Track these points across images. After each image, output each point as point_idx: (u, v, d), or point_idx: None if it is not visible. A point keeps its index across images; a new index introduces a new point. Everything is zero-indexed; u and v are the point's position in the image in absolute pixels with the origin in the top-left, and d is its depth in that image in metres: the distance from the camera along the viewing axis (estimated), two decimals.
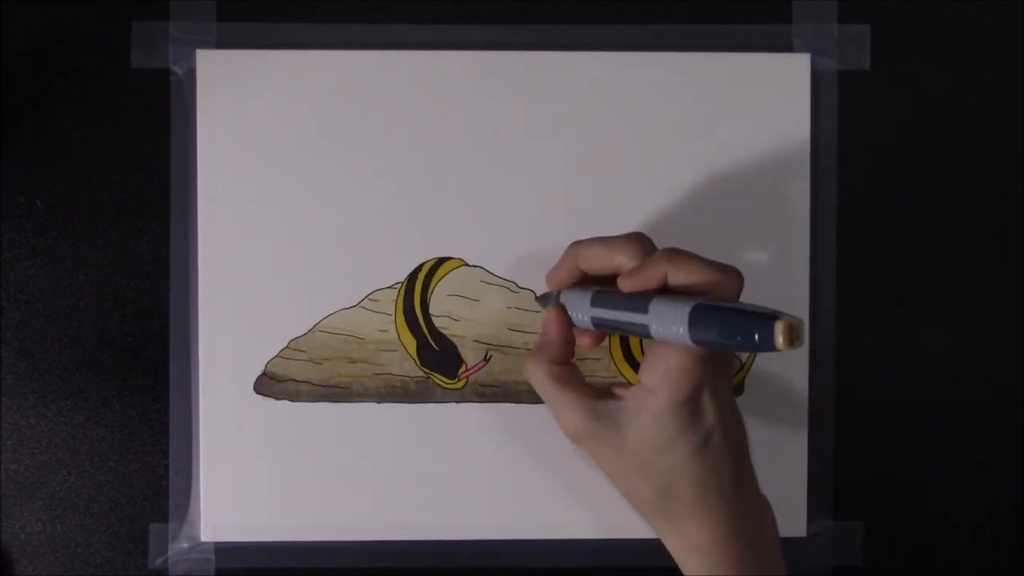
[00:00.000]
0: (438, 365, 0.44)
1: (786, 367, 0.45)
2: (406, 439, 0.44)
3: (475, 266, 0.44)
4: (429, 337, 0.44)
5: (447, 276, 0.44)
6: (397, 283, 0.44)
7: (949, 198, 0.46)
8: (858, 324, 0.45)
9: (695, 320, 0.32)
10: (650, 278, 0.34)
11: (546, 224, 0.44)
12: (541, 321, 0.40)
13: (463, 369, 0.44)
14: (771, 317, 0.30)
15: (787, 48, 0.45)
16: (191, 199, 0.44)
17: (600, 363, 0.44)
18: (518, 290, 0.44)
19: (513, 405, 0.44)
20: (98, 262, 0.44)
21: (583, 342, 0.40)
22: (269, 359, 0.44)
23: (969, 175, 0.46)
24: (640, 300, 0.34)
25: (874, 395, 0.45)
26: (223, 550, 0.44)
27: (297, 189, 0.44)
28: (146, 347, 0.44)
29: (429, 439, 0.44)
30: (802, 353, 0.44)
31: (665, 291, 0.34)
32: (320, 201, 0.44)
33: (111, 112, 0.44)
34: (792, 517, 0.45)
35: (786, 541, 0.44)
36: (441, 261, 0.44)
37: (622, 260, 0.36)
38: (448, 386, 0.44)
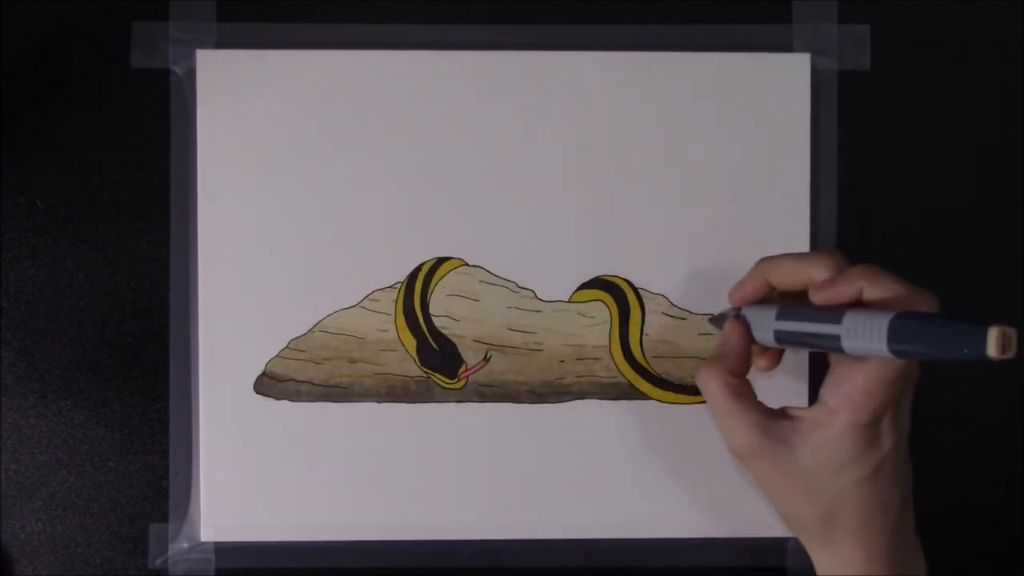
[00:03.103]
0: (438, 365, 0.44)
1: (786, 367, 0.45)
2: (406, 439, 0.44)
3: (475, 266, 0.44)
4: (429, 337, 0.44)
5: (447, 276, 0.44)
6: (397, 283, 0.44)
7: (949, 198, 0.46)
8: None
9: (896, 329, 0.31)
10: (846, 291, 0.34)
11: (546, 224, 0.44)
12: (719, 335, 0.39)
13: (463, 369, 0.44)
14: (981, 324, 0.29)
15: (787, 48, 0.45)
16: (191, 199, 0.44)
17: (600, 363, 0.44)
18: (518, 290, 0.44)
19: (513, 405, 0.44)
20: (98, 262, 0.44)
21: (759, 365, 0.40)
22: (269, 359, 0.44)
23: (969, 175, 0.46)
24: (832, 313, 0.34)
25: None
26: (223, 550, 0.44)
27: (297, 189, 0.44)
28: (146, 347, 0.44)
29: (429, 439, 0.44)
30: (802, 353, 0.44)
31: (859, 306, 0.34)
32: (320, 201, 0.44)
33: (111, 112, 0.44)
34: None
35: (786, 541, 0.45)
36: (441, 261, 0.44)
37: (815, 274, 0.35)
38: (448, 386, 0.44)
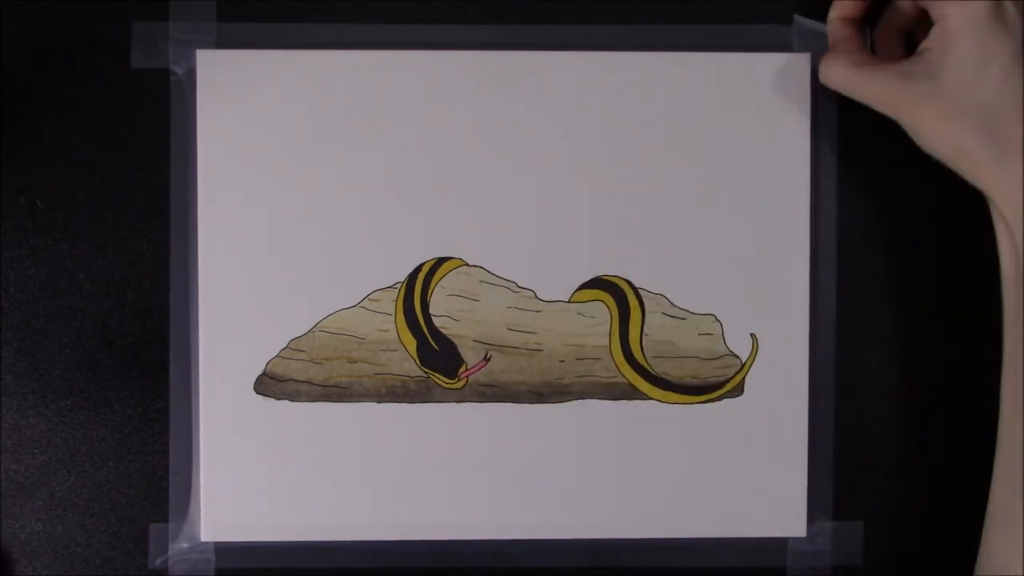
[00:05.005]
0: (438, 365, 0.44)
1: (786, 367, 0.45)
2: (406, 439, 0.44)
3: (475, 266, 0.44)
4: (429, 337, 0.44)
5: (447, 276, 0.44)
6: (397, 283, 0.44)
7: (949, 198, 0.45)
8: (858, 324, 0.45)
9: None
10: None
11: (546, 224, 0.44)
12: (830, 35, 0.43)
13: (463, 369, 0.44)
14: None
15: (787, 48, 0.45)
16: (191, 199, 0.44)
17: (600, 363, 0.44)
18: (518, 290, 0.44)
19: (513, 405, 0.44)
20: (98, 262, 0.44)
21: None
22: (269, 359, 0.44)
23: None
24: None
25: (874, 395, 0.45)
26: (223, 550, 0.44)
27: (297, 189, 0.44)
28: (146, 347, 0.44)
29: (429, 439, 0.44)
30: (802, 353, 0.44)
31: None
32: (320, 201, 0.44)
33: (111, 112, 0.44)
34: (792, 517, 0.45)
35: (785, 541, 0.45)
36: (441, 261, 0.44)
37: None
38: (448, 386, 0.44)
